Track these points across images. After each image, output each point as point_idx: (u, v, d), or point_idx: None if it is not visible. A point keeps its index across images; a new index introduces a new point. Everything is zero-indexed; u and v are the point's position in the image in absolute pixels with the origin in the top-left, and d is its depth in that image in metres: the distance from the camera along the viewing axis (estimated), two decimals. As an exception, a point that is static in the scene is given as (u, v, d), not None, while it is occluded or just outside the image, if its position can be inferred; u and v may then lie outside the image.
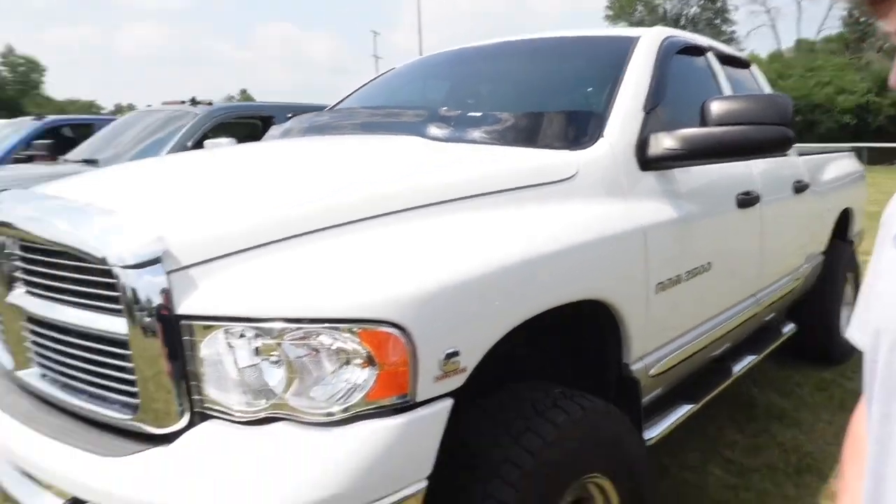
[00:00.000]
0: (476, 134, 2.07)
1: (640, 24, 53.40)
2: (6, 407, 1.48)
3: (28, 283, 1.49)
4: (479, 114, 2.22)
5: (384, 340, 1.17)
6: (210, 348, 1.20)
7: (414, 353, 1.19)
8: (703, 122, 1.98)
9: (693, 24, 53.27)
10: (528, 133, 2.01)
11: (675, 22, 53.14)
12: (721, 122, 1.95)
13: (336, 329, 1.16)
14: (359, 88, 3.25)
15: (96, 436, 1.30)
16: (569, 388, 1.63)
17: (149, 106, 6.44)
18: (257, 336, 1.18)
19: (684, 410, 2.21)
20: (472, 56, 3.05)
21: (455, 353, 1.26)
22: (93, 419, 1.35)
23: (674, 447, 2.93)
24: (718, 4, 52.05)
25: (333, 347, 1.17)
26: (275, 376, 1.18)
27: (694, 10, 53.09)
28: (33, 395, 1.50)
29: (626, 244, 1.81)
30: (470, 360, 1.30)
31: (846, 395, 3.57)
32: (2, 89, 52.70)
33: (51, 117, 8.10)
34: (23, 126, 7.54)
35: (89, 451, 1.25)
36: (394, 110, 2.44)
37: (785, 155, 3.43)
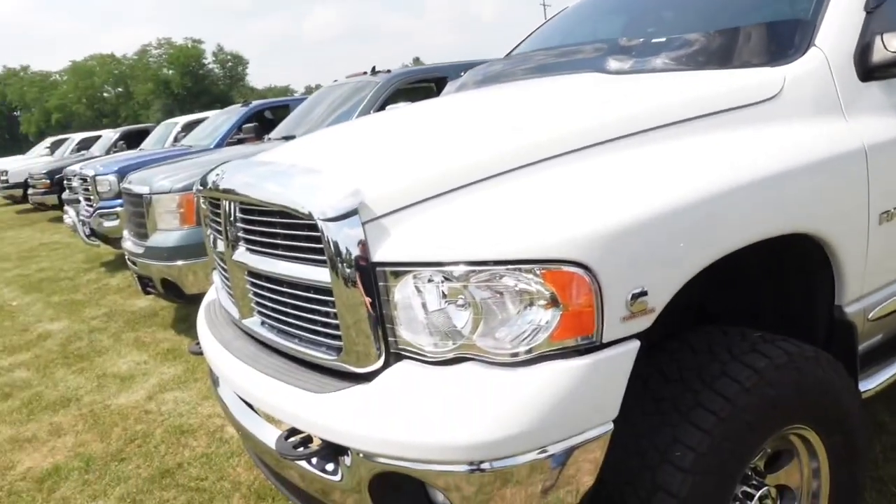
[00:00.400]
0: (659, 61, 1.93)
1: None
2: (235, 350, 1.72)
3: (249, 241, 1.70)
4: (662, 39, 2.06)
5: (568, 281, 1.16)
6: (402, 293, 1.28)
7: (599, 293, 1.17)
8: None
9: None
10: (721, 53, 1.83)
11: None
12: None
13: (519, 270, 1.18)
14: (530, 34, 3.19)
15: (308, 375, 1.46)
16: (770, 333, 1.50)
17: (335, 81, 6.94)
18: (444, 280, 1.23)
19: (908, 362, 1.92)
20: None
21: (643, 293, 1.21)
22: (305, 360, 1.51)
23: (893, 401, 2.58)
24: None
25: (517, 289, 1.19)
26: (461, 319, 1.24)
27: None
28: (256, 340, 1.72)
29: (843, 169, 1.59)
30: (659, 300, 1.24)
31: None
32: (215, 84, 60.13)
33: (254, 103, 9.08)
34: (233, 113, 8.56)
35: (302, 388, 1.40)
36: (567, 49, 2.36)
37: None
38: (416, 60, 62.89)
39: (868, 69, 1.72)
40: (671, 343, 1.49)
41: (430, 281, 1.25)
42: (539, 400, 1.15)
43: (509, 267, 1.18)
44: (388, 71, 6.22)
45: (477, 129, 1.67)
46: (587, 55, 2.16)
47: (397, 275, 1.28)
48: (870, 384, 1.81)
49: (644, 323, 1.23)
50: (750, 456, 1.39)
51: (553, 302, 1.17)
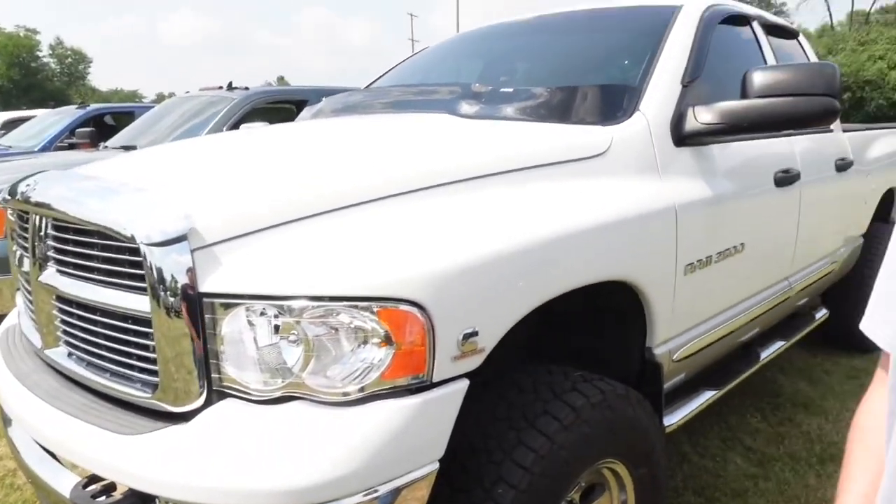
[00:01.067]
0: (507, 110, 2.04)
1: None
2: (32, 385, 1.53)
3: (60, 262, 1.53)
4: (510, 90, 2.18)
5: (403, 319, 1.17)
6: (231, 326, 1.21)
7: (432, 333, 1.19)
8: (745, 93, 1.90)
9: (738, -2, 51.47)
10: (560, 109, 1.97)
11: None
12: (763, 94, 1.86)
13: (355, 307, 1.17)
14: (391, 69, 3.24)
15: (117, 414, 1.33)
16: (589, 372, 1.61)
17: (187, 92, 6.57)
18: (278, 314, 1.19)
19: (707, 397, 2.17)
20: (506, 32, 3.00)
21: (474, 333, 1.25)
22: (115, 398, 1.38)
23: (695, 434, 2.88)
24: (768, -24, 50.20)
25: (352, 326, 1.18)
26: (293, 355, 1.20)
27: (740, -18, 51.28)
28: (59, 374, 1.55)
29: (656, 223, 1.77)
30: (489, 340, 1.29)
31: (883, 383, 3.44)
32: (49, 80, 54.33)
33: (93, 106, 8.31)
34: (66, 115, 7.76)
35: (108, 429, 1.28)
36: (424, 88, 2.43)
37: (829, 131, 3.30)
38: (281, 80, 61.46)
39: (681, 136, 1.95)
40: (501, 382, 1.55)
41: (262, 314, 1.20)
42: (368, 440, 1.14)
43: (346, 304, 1.17)
44: (247, 88, 6.00)
45: (325, 161, 1.65)
46: (441, 96, 2.24)
47: (227, 307, 1.21)
48: (673, 419, 2.01)
49: (474, 362, 1.27)
50: (566, 490, 1.47)
51: (387, 340, 1.17)
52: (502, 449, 1.36)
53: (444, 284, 1.21)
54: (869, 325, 0.88)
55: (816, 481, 2.54)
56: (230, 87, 6.06)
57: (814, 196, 2.77)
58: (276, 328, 1.20)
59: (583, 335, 1.88)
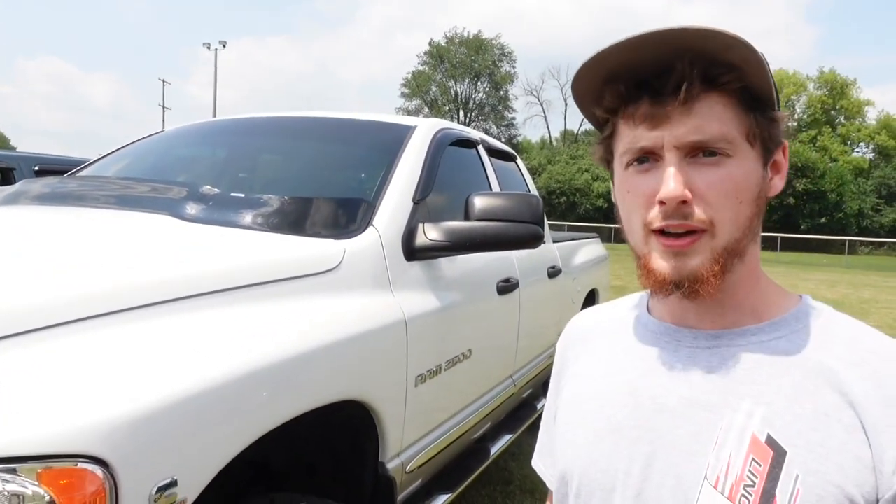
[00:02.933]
0: (238, 217, 1.94)
1: (433, 102, 57.58)
2: None
3: None
4: (241, 195, 2.10)
5: (74, 480, 0.95)
6: None
7: (115, 491, 0.99)
8: (467, 215, 2.08)
9: (480, 108, 58.90)
10: (293, 219, 1.94)
11: (465, 104, 58.25)
12: (482, 217, 2.06)
13: (10, 470, 0.92)
14: (116, 150, 2.93)
15: None
16: (315, 498, 1.53)
17: None
18: None
19: (441, 501, 2.21)
20: (249, 128, 2.93)
21: (171, 485, 1.07)
22: None
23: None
24: (502, 93, 58.32)
25: (3, 493, 0.94)
26: None
27: (481, 95, 58.81)
28: None
29: (386, 338, 1.79)
30: (193, 488, 1.12)
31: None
32: None
33: None
34: None
35: None
36: (147, 183, 2.21)
37: (542, 242, 3.80)
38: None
39: (412, 250, 2.04)
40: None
41: None
42: None
43: None
44: None
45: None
46: (163, 195, 2.05)
47: None
48: (409, 529, 1.99)
49: None
50: None
51: None
52: None
53: (129, 433, 1.03)
54: (538, 464, 0.97)
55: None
56: None
57: (530, 300, 3.11)
58: None
59: (316, 453, 1.80)
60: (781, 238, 29.49)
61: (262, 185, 2.54)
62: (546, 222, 3.98)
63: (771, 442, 0.69)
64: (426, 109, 56.01)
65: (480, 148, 3.15)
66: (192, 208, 1.91)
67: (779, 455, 0.68)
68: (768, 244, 28.54)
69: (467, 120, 55.95)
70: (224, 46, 37.10)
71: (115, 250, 1.54)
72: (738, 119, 0.73)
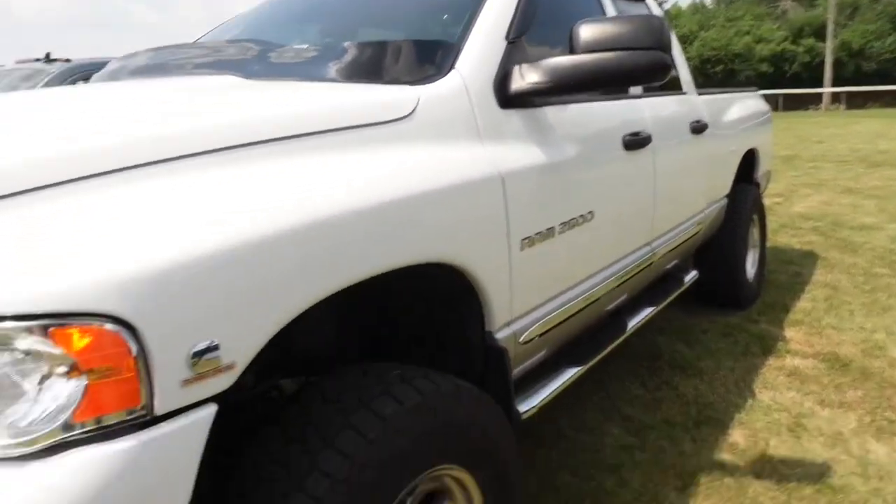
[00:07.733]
0: (303, 69, 1.77)
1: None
2: None
3: None
4: (304, 46, 1.93)
5: (94, 340, 0.87)
6: None
7: (143, 353, 0.90)
8: (572, 49, 1.74)
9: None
10: (362, 67, 1.73)
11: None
12: (591, 49, 1.71)
13: (26, 329, 0.85)
14: (219, 26, 2.89)
15: None
16: (414, 368, 1.39)
17: (1, 66, 5.77)
18: None
19: (569, 375, 2.02)
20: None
21: (210, 349, 0.96)
22: None
23: (574, 408, 2.78)
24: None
25: (17, 356, 0.87)
26: None
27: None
28: None
29: (478, 194, 1.55)
30: (238, 354, 1.01)
31: (750, 340, 3.52)
32: None
33: None
34: None
35: None
36: (215, 47, 2.10)
37: (683, 93, 3.27)
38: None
39: (507, 97, 1.75)
40: (303, 391, 1.30)
41: None
42: (61, 502, 0.84)
43: (9, 323, 0.84)
44: (68, 60, 5.32)
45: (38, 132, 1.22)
46: (229, 56, 1.93)
47: None
48: (529, 404, 1.84)
49: (221, 383, 0.98)
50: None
51: (73, 370, 0.87)
52: (291, 478, 1.11)
53: (156, 290, 0.91)
54: None
55: (691, 447, 2.49)
56: (48, 58, 5.33)
57: (669, 159, 2.69)
58: None
59: (414, 324, 1.66)
60: None
61: (332, 38, 2.33)
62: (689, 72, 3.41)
63: None
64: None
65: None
66: (258, 65, 1.79)
67: None
68: None
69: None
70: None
71: (172, 109, 1.43)
72: None
